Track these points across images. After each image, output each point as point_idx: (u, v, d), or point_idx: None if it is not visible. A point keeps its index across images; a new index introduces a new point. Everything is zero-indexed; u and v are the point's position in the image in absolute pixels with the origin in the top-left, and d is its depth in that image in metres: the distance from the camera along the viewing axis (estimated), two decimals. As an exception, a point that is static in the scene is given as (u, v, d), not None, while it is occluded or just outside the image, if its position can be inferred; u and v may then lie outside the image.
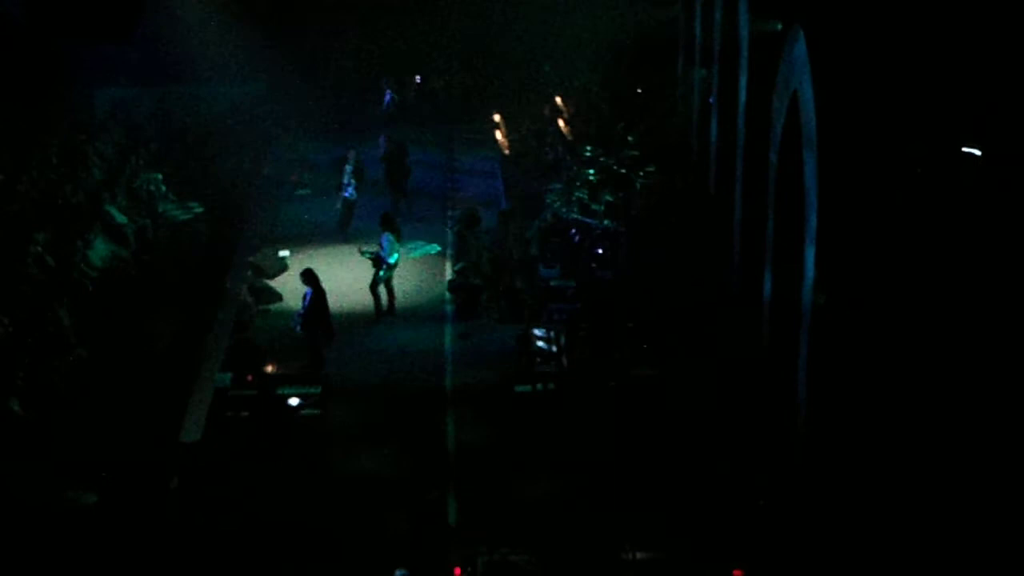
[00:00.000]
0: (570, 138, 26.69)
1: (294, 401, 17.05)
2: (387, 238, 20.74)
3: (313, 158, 27.30)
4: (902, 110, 13.61)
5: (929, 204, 13.57)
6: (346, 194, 23.76)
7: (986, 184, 13.24)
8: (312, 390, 17.41)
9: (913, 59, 13.58)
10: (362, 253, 20.71)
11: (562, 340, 18.45)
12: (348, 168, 23.93)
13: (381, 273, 20.64)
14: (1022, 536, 12.34)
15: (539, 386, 17.95)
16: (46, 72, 23.48)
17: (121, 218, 22.28)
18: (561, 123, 27.23)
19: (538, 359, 18.27)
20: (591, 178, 23.81)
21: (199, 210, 23.85)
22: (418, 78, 30.90)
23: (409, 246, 22.69)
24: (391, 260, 20.67)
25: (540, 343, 18.40)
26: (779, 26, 17.29)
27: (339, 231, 23.53)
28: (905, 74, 13.63)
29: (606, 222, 22.26)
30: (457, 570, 13.57)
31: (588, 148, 25.33)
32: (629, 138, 25.60)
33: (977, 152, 13.41)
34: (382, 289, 20.77)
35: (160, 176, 24.37)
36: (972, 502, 13.02)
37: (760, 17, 18.64)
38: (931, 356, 13.52)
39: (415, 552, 13.97)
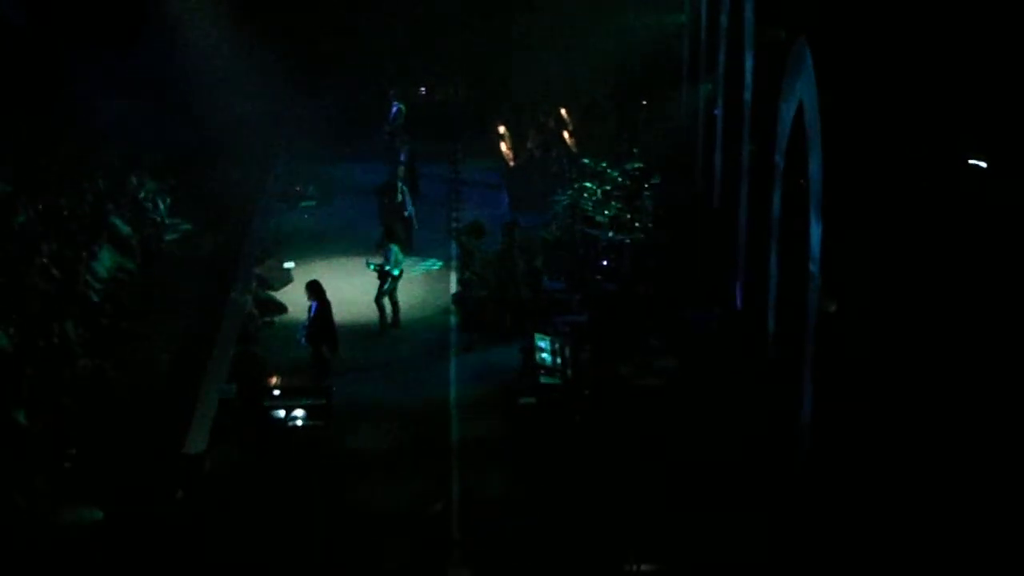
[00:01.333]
0: (575, 150, 26.68)
1: (298, 412, 17.03)
2: (391, 250, 20.75)
3: (318, 170, 27.29)
4: (909, 120, 13.59)
5: (935, 213, 13.54)
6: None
7: (992, 193, 13.21)
8: (316, 401, 17.39)
9: (920, 69, 13.56)
10: (368, 265, 20.71)
11: (567, 352, 18.41)
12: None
13: (386, 286, 20.63)
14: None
15: (543, 397, 17.92)
16: (50, 82, 23.51)
17: (126, 229, 22.30)
18: (566, 134, 27.22)
19: (542, 371, 18.23)
20: (596, 190, 23.80)
21: (186, 227, 23.79)
22: (423, 90, 30.92)
23: (413, 260, 22.69)
24: (395, 272, 20.67)
25: (544, 355, 18.36)
26: (784, 35, 17.29)
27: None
28: (912, 84, 13.62)
29: (611, 234, 22.24)
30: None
31: (593, 160, 25.33)
32: (634, 149, 25.59)
33: (983, 164, 13.37)
34: (386, 301, 20.75)
35: (156, 186, 24.38)
36: (983, 511, 12.97)
37: (766, 26, 18.63)
38: (938, 364, 13.49)
39: (418, 565, 13.96)
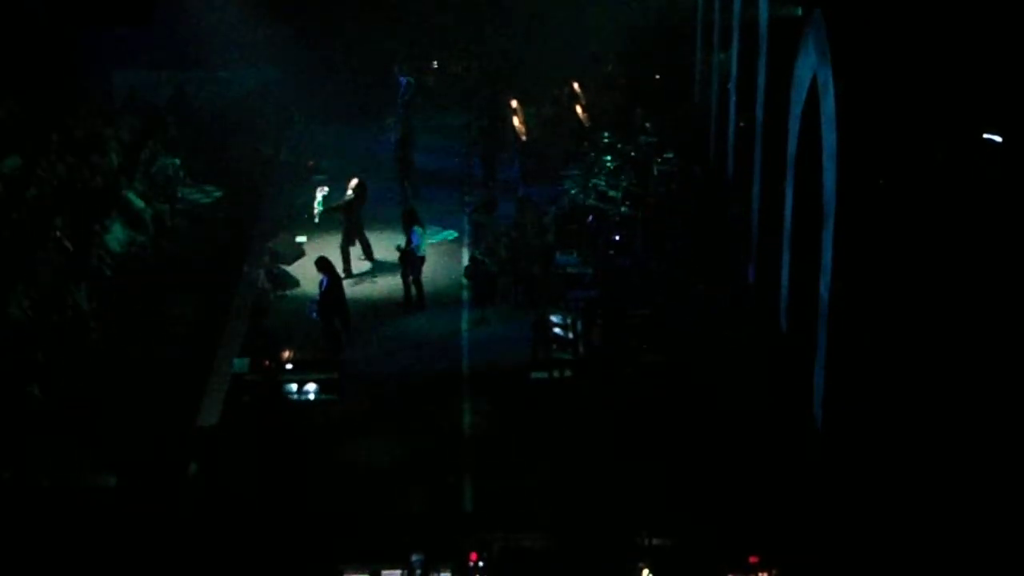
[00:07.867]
0: (588, 124, 26.59)
1: (310, 386, 17.08)
2: (416, 232, 20.47)
3: (330, 143, 27.25)
4: (922, 96, 13.52)
5: (950, 192, 13.49)
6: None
7: (1008, 175, 13.16)
8: (328, 375, 17.42)
9: (934, 46, 13.49)
10: (398, 249, 20.45)
11: (579, 327, 18.42)
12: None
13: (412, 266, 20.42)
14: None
15: (555, 372, 17.93)
16: (64, 57, 23.50)
17: (139, 203, 22.34)
18: (579, 109, 27.13)
19: (554, 346, 18.25)
20: (608, 164, 23.74)
21: (218, 194, 23.91)
22: (435, 63, 30.81)
23: (430, 231, 22.60)
24: (420, 253, 20.50)
25: (557, 330, 18.37)
26: (799, 10, 17.21)
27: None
28: (926, 60, 13.54)
29: (623, 209, 22.20)
30: (473, 555, 13.58)
31: (606, 134, 25.24)
32: (647, 124, 25.50)
33: (998, 139, 13.32)
34: (396, 281, 20.64)
35: (178, 161, 24.43)
36: (991, 494, 12.98)
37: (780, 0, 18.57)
38: (949, 345, 13.47)
39: (431, 536, 14.00)
